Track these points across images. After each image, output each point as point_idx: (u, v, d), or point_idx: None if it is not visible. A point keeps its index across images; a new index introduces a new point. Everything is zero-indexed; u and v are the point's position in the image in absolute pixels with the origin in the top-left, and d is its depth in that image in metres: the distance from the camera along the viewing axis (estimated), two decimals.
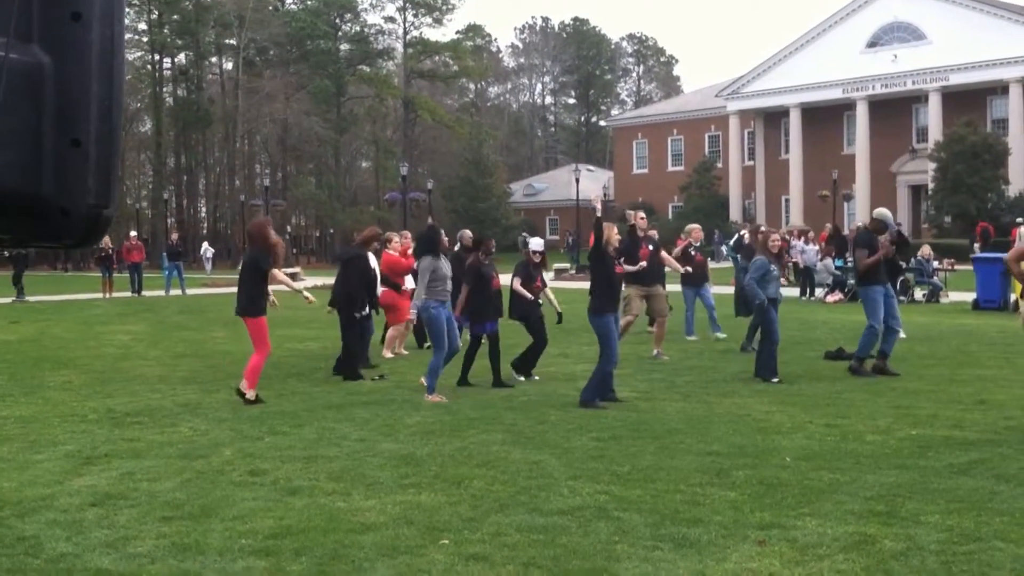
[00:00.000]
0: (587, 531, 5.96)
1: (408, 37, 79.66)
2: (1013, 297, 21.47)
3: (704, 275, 16.46)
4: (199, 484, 7.27)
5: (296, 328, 19.93)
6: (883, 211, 13.43)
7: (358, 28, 79.43)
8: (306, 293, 11.74)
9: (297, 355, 15.58)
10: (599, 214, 10.73)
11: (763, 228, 17.59)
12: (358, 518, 6.31)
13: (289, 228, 76.18)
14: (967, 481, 7.02)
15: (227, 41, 74.35)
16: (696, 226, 17.19)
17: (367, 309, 13.46)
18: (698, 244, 16.66)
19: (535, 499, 6.71)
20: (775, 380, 11.93)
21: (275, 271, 10.88)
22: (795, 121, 59.13)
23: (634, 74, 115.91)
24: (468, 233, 15.07)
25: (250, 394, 10.79)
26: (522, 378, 12.40)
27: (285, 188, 75.08)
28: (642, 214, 15.01)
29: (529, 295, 12.66)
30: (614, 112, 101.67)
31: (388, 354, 14.72)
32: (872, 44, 56.08)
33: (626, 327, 14.03)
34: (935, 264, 27.18)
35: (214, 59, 77.64)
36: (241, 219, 65.93)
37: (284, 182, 77.31)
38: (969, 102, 52.74)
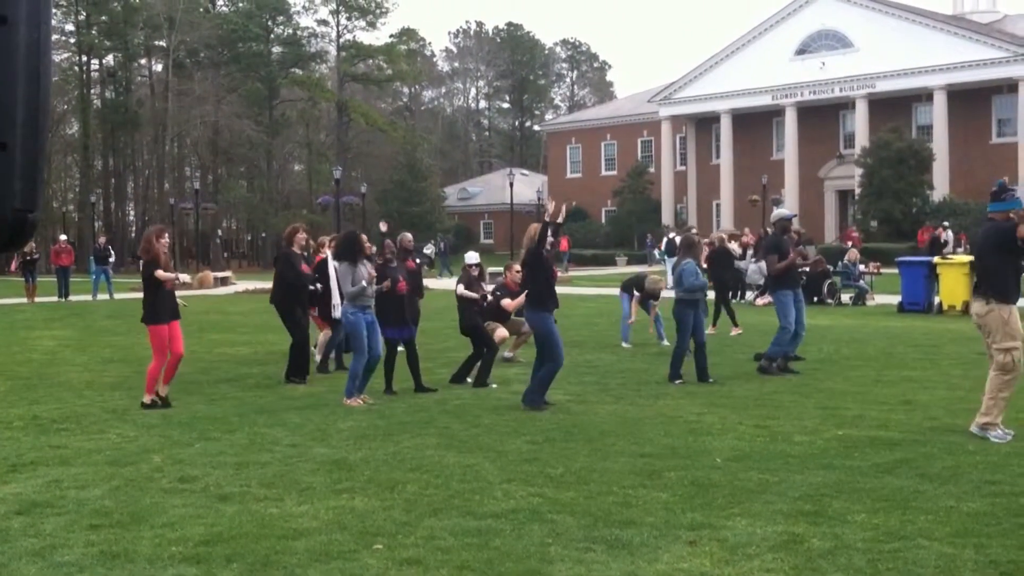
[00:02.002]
0: (520, 534, 5.99)
1: (341, 40, 79.24)
2: (937, 300, 21.97)
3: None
4: (128, 491, 7.16)
5: (227, 333, 19.73)
6: (780, 211, 13.91)
7: (291, 31, 78.83)
8: (182, 303, 11.61)
9: (228, 360, 15.41)
10: (560, 220, 10.75)
11: (721, 233, 17.74)
12: (290, 524, 6.27)
13: (220, 232, 75.32)
14: (892, 480, 7.17)
15: (156, 43, 73.36)
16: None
17: (335, 313, 13.48)
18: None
19: (469, 503, 6.72)
20: (678, 382, 12.11)
21: (159, 271, 10.71)
22: (726, 127, 59.86)
23: (568, 79, 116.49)
24: (408, 236, 14.90)
25: (145, 399, 10.73)
26: (495, 385, 12.27)
27: (216, 192, 74.23)
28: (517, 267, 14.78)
29: (474, 294, 12.75)
30: (548, 117, 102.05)
31: (319, 357, 14.64)
32: (801, 51, 56.98)
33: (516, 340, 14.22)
34: (861, 267, 27.69)
35: (143, 61, 76.57)
36: (171, 222, 65.09)
37: (215, 185, 76.43)
38: (895, 109, 53.83)
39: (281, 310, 13.14)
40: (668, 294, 13.57)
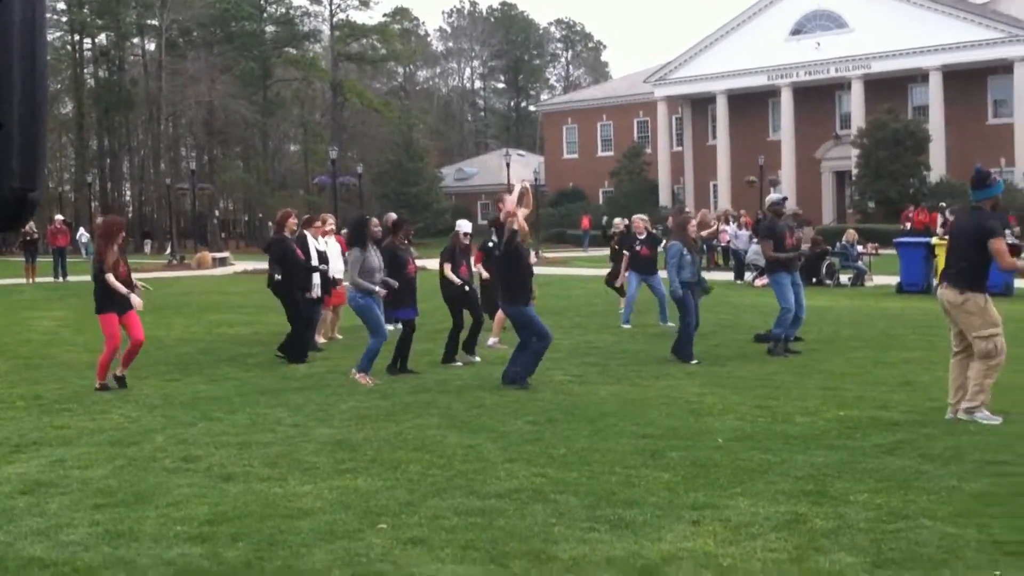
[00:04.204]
0: (524, 513, 6.00)
1: (335, 19, 78.84)
2: (935, 280, 21.98)
3: (653, 266, 16.44)
4: (131, 471, 7.18)
5: (226, 313, 19.73)
6: (773, 196, 13.97)
7: (284, 10, 78.43)
8: (144, 286, 11.53)
9: (228, 340, 15.41)
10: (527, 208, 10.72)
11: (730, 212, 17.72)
12: (294, 503, 6.28)
13: (217, 212, 75.17)
14: (894, 461, 7.19)
15: (149, 22, 72.95)
16: (638, 218, 17.07)
17: (314, 293, 13.47)
18: (643, 236, 16.63)
19: (472, 482, 6.73)
20: (694, 362, 12.16)
21: (108, 275, 10.61)
22: (722, 107, 59.73)
23: (563, 59, 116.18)
24: (392, 216, 14.88)
25: (97, 383, 10.72)
26: (474, 359, 12.43)
27: (212, 172, 74.01)
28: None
29: (457, 280, 12.73)
30: (543, 97, 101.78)
31: (320, 339, 14.64)
32: (796, 32, 56.81)
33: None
34: (859, 248, 27.71)
35: (136, 40, 76.18)
36: (167, 203, 64.99)
37: (211, 165, 76.19)
38: (891, 90, 53.71)
39: (280, 295, 13.14)
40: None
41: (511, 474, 6.93)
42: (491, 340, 13.98)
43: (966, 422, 8.40)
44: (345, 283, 12.83)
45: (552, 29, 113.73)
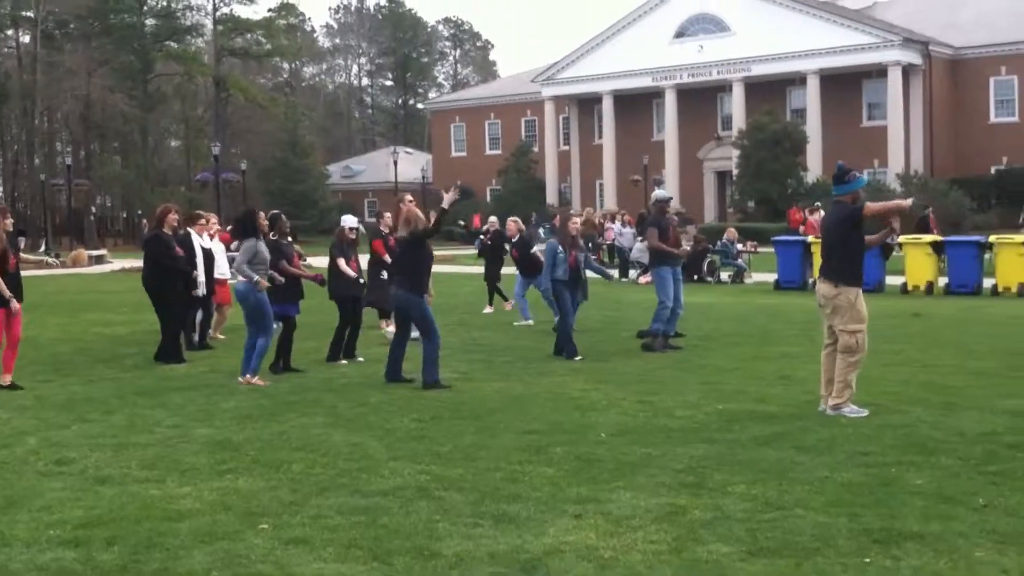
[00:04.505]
0: (408, 511, 5.99)
1: (218, 14, 77.33)
2: (811, 278, 22.63)
3: (532, 268, 16.55)
4: (2, 475, 6.94)
5: (103, 312, 19.21)
6: (659, 192, 14.25)
7: (165, 3, 76.61)
8: (48, 260, 11.21)
9: (105, 340, 15.01)
10: (446, 206, 10.66)
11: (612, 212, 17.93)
12: (173, 505, 6.16)
13: (94, 209, 73.02)
14: (770, 452, 7.38)
15: (24, 13, 70.44)
16: (511, 221, 17.29)
17: (199, 291, 13.21)
18: (515, 239, 16.85)
19: (356, 481, 6.69)
20: (578, 358, 12.29)
21: None
22: (608, 108, 60.43)
23: (451, 58, 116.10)
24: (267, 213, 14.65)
25: None
26: (344, 361, 12.35)
27: (89, 167, 71.89)
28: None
29: (352, 272, 12.65)
30: (432, 95, 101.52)
31: (219, 336, 14.42)
32: (680, 35, 57.79)
33: None
34: (739, 247, 28.36)
35: (10, 32, 73.53)
36: (42, 199, 62.92)
37: (88, 161, 74.03)
38: (770, 92, 55.04)
39: (153, 294, 12.79)
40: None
41: (395, 472, 6.91)
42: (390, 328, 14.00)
43: (837, 414, 8.66)
44: (231, 281, 12.59)
45: (440, 27, 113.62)
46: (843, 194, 8.90)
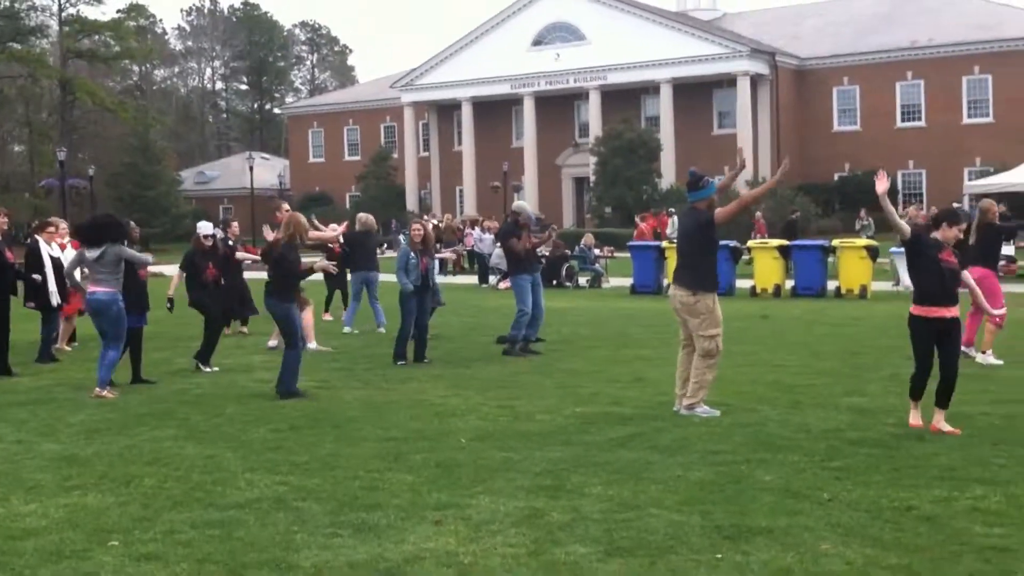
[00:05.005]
0: (265, 523, 5.90)
1: (64, 14, 74.59)
2: (666, 282, 23.16)
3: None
4: None
5: None
6: (520, 203, 14.42)
7: (7, 3, 73.52)
8: None
9: None
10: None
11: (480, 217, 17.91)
12: (17, 524, 5.92)
13: None
14: (626, 453, 7.53)
15: None
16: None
17: (53, 300, 12.73)
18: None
19: (210, 494, 6.55)
20: (400, 363, 12.45)
21: None
22: (467, 114, 60.63)
23: (308, 62, 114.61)
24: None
25: None
26: (207, 369, 12.08)
27: None
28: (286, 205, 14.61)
29: (175, 282, 12.43)
30: (288, 100, 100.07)
31: (65, 347, 13.94)
32: (537, 42, 58.40)
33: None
34: (597, 252, 28.81)
35: None
36: None
37: None
38: (625, 100, 56.12)
39: None
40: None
41: (252, 484, 6.79)
42: (271, 342, 13.77)
43: (691, 414, 8.89)
44: (98, 291, 12.13)
45: (297, 31, 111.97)
46: (697, 200, 9.12)
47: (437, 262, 14.90)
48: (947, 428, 8.06)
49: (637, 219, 36.64)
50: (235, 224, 15.59)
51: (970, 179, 44.12)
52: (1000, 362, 11.75)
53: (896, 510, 5.96)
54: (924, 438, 7.87)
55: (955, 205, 8.83)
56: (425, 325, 13.00)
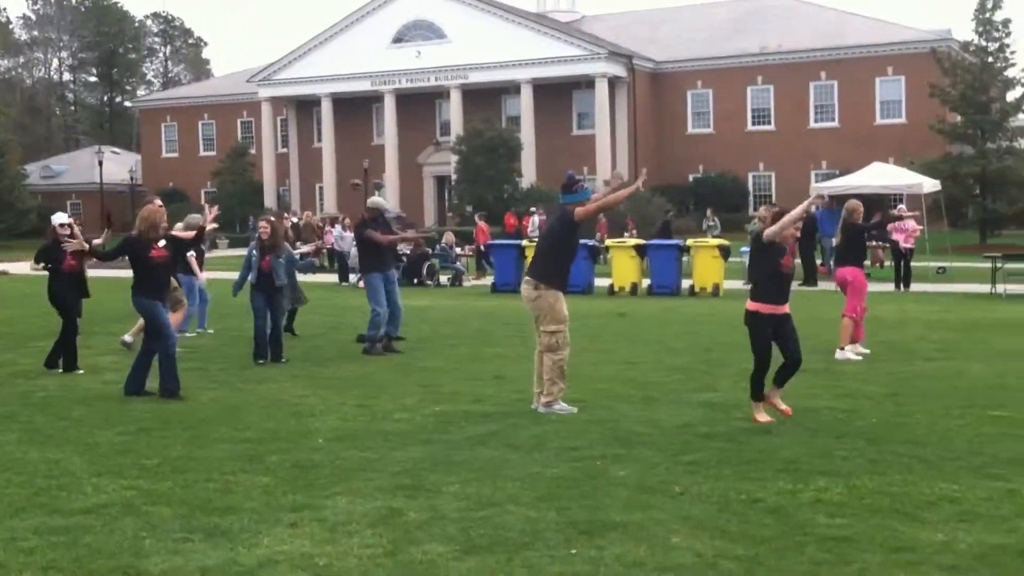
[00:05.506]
0: (113, 529, 5.72)
1: None
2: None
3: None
4: None
5: None
6: (376, 199, 14.38)
7: None
8: None
9: None
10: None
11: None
12: None
13: None
14: (484, 451, 7.57)
15: None
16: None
17: None
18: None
19: (55, 500, 6.32)
20: (260, 362, 12.33)
21: None
22: (327, 110, 59.96)
23: (161, 55, 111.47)
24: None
25: None
26: (62, 370, 11.60)
27: None
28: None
29: (37, 269, 11.99)
30: (140, 93, 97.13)
31: None
32: (398, 40, 58.14)
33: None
34: (458, 250, 28.87)
35: None
36: None
37: None
38: (487, 99, 56.39)
39: None
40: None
41: (99, 488, 6.58)
42: (126, 337, 13.32)
43: (548, 411, 9.00)
44: None
45: (149, 23, 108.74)
46: (569, 203, 9.27)
47: (298, 259, 14.68)
48: (782, 405, 8.43)
49: (477, 218, 36.81)
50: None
51: (816, 181, 45.77)
52: (859, 357, 12.24)
53: (744, 502, 6.15)
54: (771, 432, 8.15)
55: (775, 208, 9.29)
56: (279, 324, 12.83)
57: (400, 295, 13.78)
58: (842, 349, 12.37)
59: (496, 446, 7.74)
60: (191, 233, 11.47)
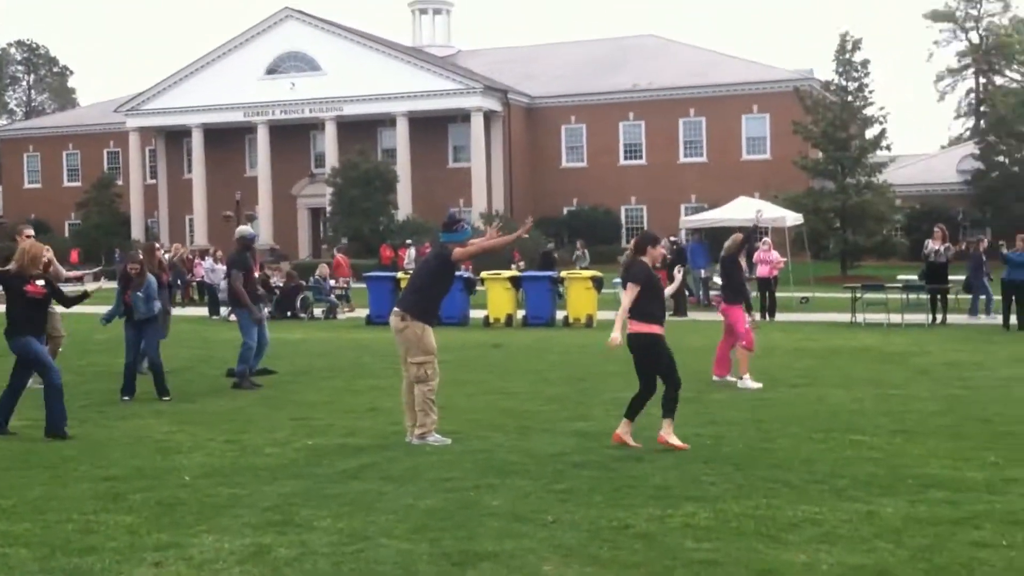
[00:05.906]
0: None
1: None
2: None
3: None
4: None
5: None
6: (241, 227, 14.25)
7: None
8: None
9: None
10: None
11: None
12: None
13: None
14: (358, 484, 7.49)
15: None
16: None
17: None
18: None
19: None
20: (126, 399, 12.03)
21: None
22: (197, 141, 58.88)
23: (24, 83, 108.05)
24: None
25: None
26: None
27: None
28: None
29: None
30: (2, 123, 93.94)
31: None
32: (272, 71, 57.55)
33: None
34: (332, 283, 28.59)
35: None
36: None
37: None
38: (362, 131, 56.17)
39: None
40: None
41: None
42: None
43: (423, 443, 8.97)
44: None
45: (12, 51, 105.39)
46: (449, 241, 9.36)
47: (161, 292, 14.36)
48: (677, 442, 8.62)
49: (336, 251, 36.52)
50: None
51: (686, 214, 46.82)
52: (759, 385, 12.48)
53: (614, 529, 6.22)
54: (642, 459, 8.27)
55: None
56: (152, 356, 12.51)
57: (267, 328, 13.65)
58: (741, 378, 12.64)
59: (369, 479, 7.67)
60: (76, 291, 11.11)
